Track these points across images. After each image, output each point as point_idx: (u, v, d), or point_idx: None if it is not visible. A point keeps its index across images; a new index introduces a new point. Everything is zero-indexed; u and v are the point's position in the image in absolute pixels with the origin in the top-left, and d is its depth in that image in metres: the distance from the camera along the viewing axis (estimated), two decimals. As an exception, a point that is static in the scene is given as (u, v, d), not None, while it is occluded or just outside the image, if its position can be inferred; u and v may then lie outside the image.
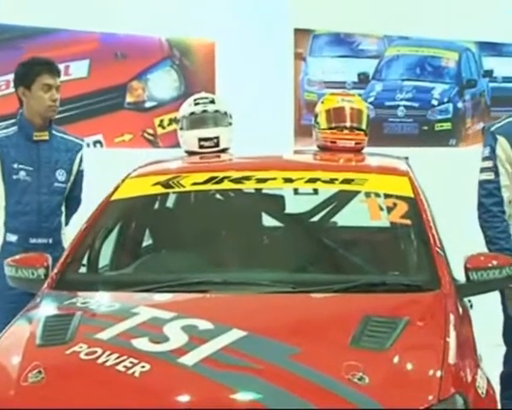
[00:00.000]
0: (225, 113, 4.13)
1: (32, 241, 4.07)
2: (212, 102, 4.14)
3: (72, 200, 4.27)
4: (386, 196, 3.46)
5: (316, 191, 3.73)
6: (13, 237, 4.07)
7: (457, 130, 7.37)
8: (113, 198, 3.56)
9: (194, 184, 3.54)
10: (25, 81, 4.08)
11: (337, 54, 7.06)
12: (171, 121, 6.63)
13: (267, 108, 6.71)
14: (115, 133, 6.67)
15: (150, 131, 6.81)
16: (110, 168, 6.03)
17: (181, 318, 2.77)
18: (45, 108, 4.06)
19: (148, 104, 6.81)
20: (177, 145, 4.28)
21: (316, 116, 4.10)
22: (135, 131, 6.74)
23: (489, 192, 3.74)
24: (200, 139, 4.05)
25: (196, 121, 4.08)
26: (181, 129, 4.16)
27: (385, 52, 7.19)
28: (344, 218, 3.87)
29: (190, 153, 4.10)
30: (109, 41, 6.57)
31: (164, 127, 6.82)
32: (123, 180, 3.67)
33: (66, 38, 6.36)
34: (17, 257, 3.41)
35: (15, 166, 4.08)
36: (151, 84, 6.80)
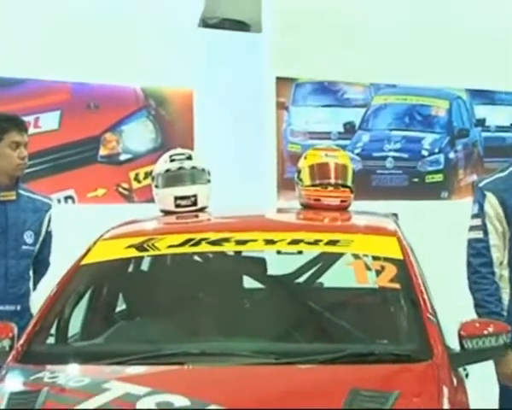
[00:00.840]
0: (203, 169, 4.13)
1: (-1, 308, 4.03)
2: (189, 158, 4.14)
3: (40, 263, 4.23)
4: (374, 258, 3.45)
5: (300, 251, 3.72)
6: (-23, 306, 4.03)
7: (449, 182, 7.40)
8: (83, 262, 3.53)
9: (170, 246, 3.52)
10: None
11: (321, 103, 7.11)
12: (147, 175, 6.63)
13: (248, 160, 6.74)
14: (88, 188, 6.66)
15: (125, 185, 6.81)
16: (83, 225, 6.02)
17: (155, 393, 2.73)
18: (14, 167, 4.04)
19: (122, 157, 6.82)
20: (154, 200, 4.27)
21: (298, 172, 4.10)
22: (109, 185, 6.74)
23: (478, 252, 3.72)
24: (177, 198, 4.04)
25: (172, 179, 4.07)
26: (156, 187, 4.14)
27: (371, 101, 7.24)
28: (329, 280, 3.85)
29: (166, 212, 4.08)
30: (81, 91, 6.59)
31: (139, 181, 6.82)
32: (95, 242, 3.65)
33: (36, 89, 6.38)
34: (-21, 327, 3.36)
35: (-20, 228, 4.04)
36: (126, 135, 6.81)
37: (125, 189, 6.80)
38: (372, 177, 7.18)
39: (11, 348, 3.20)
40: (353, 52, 6.91)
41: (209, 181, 4.15)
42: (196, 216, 4.00)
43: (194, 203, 4.05)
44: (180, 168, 4.09)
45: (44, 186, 5.75)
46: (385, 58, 7.02)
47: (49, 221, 4.23)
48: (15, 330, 3.27)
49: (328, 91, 7.13)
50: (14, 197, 4.10)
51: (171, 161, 4.13)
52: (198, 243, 3.49)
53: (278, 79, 6.88)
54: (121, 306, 3.78)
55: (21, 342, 3.19)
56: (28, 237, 4.12)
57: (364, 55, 6.94)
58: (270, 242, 3.48)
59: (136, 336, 3.33)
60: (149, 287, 3.67)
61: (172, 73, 6.73)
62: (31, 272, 4.15)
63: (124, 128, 6.79)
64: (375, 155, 7.22)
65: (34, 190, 4.28)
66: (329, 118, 7.13)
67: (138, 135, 6.87)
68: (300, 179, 4.07)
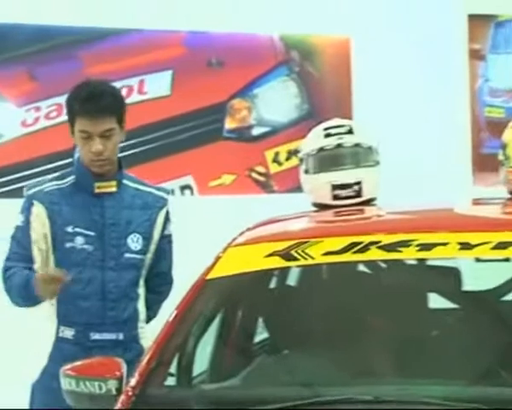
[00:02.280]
0: (369, 147, 4.16)
1: (95, 337, 4.15)
2: (350, 131, 4.18)
3: (158, 278, 4.31)
4: None
5: (508, 258, 3.70)
6: (68, 333, 4.16)
7: None
8: (210, 276, 3.61)
9: (327, 253, 3.55)
10: (69, 118, 4.16)
11: (533, 49, 7.03)
12: (290, 155, 6.70)
13: (429, 132, 6.71)
14: (211, 174, 6.79)
15: (261, 169, 6.91)
16: (205, 225, 6.15)
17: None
18: (88, 162, 4.14)
19: (256, 131, 6.92)
20: (300, 189, 4.32)
21: (503, 147, 4.08)
22: (238, 169, 6.85)
23: None
24: (335, 187, 4.09)
25: (328, 160, 4.13)
26: (306, 172, 4.20)
27: None
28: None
29: (320, 206, 4.14)
30: (199, 43, 6.72)
31: (280, 163, 6.91)
32: (224, 249, 3.72)
33: (139, 42, 6.53)
34: (78, 364, 3.46)
35: (70, 229, 4.16)
36: (260, 101, 6.91)
37: (260, 174, 6.90)
38: None
39: (119, 391, 3.29)
40: None
41: (378, 163, 4.18)
42: (362, 211, 4.03)
43: (359, 194, 4.10)
44: (338, 146, 4.14)
45: (152, 173, 5.88)
46: None
47: (166, 221, 4.28)
48: (124, 369, 3.36)
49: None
50: (113, 189, 4.19)
51: (326, 136, 4.18)
52: (365, 248, 3.51)
53: (471, 17, 6.83)
54: (262, 334, 3.84)
55: (132, 383, 3.28)
56: (134, 241, 4.20)
57: None
58: (465, 246, 3.46)
59: (284, 375, 3.37)
60: (299, 309, 3.72)
61: (321, 15, 6.77)
62: (140, 290, 4.24)
63: (257, 92, 6.89)
64: None
65: (145, 181, 4.33)
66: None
67: (277, 100, 6.95)
68: (506, 158, 4.05)
